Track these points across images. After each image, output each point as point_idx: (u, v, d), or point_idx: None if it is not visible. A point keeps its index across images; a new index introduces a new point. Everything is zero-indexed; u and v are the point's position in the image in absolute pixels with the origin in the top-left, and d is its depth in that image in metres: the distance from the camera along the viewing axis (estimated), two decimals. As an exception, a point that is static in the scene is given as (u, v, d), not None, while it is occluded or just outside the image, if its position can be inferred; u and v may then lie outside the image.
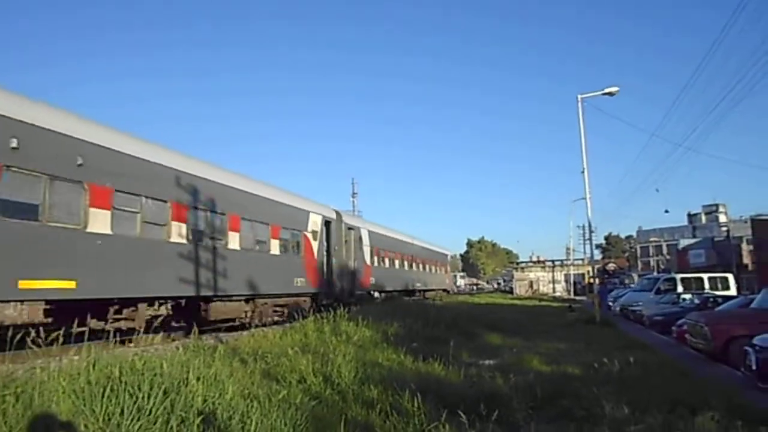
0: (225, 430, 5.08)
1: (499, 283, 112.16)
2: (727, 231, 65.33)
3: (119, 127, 14.94)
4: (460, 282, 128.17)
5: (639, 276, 62.26)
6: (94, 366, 5.79)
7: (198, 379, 5.84)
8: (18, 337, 6.35)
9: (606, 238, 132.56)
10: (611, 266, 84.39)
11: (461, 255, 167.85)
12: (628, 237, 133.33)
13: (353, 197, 61.56)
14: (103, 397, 5.10)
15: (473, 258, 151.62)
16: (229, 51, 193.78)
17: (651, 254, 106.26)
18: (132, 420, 4.85)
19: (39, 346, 6.51)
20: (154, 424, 4.95)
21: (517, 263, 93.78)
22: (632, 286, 45.71)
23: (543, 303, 44.95)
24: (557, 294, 69.24)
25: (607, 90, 24.09)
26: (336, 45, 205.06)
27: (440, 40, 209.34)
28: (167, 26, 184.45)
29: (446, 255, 51.00)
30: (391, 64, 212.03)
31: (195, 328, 10.10)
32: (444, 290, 47.48)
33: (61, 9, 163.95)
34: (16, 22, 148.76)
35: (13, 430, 4.67)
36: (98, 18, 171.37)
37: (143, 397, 5.13)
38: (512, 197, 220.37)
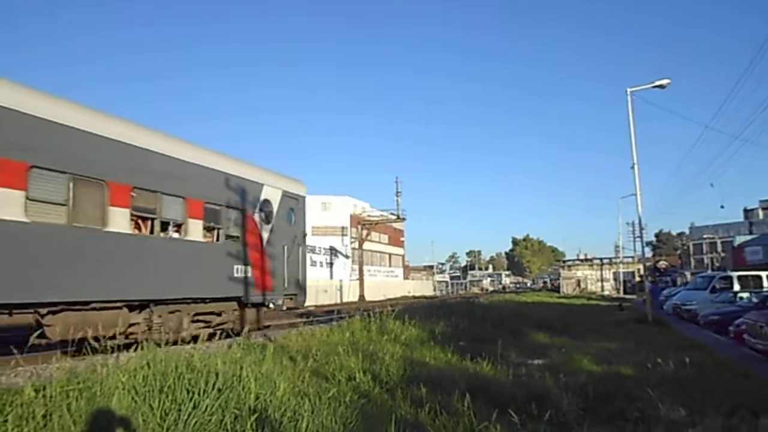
0: (277, 427, 5.16)
1: (545, 282, 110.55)
2: (787, 226, 62.64)
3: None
4: (506, 280, 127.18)
5: (692, 274, 60.31)
6: (149, 364, 5.98)
7: (251, 376, 5.96)
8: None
9: (657, 236, 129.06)
10: (662, 264, 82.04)
11: (506, 253, 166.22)
12: (680, 234, 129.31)
13: (397, 196, 61.68)
14: (160, 393, 5.26)
15: (519, 256, 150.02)
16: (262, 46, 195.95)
17: (705, 251, 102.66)
18: (189, 416, 4.99)
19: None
20: (210, 420, 5.08)
21: (564, 261, 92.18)
22: (686, 284, 44.32)
23: (591, 302, 44.09)
24: (606, 293, 67.80)
25: (657, 82, 23.44)
26: (384, 42, 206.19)
27: (484, 39, 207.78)
28: (203, 19, 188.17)
29: (277, 193, 16.53)
30: (436, 64, 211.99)
31: (247, 328, 10.29)
32: (249, 305, 14.84)
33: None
34: (28, 21, 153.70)
35: (77, 423, 4.86)
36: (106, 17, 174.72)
37: (199, 394, 5.28)
38: (559, 195, 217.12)
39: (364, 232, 60.26)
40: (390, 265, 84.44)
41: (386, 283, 72.16)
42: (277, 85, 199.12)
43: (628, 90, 23.85)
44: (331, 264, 67.60)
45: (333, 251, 68.20)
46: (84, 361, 6.76)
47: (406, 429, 5.49)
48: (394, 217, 64.57)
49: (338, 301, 50.57)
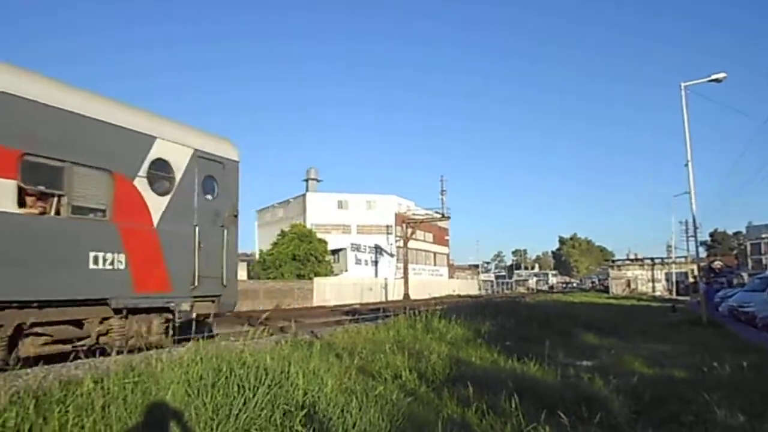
0: (326, 423, 5.23)
1: (593, 282, 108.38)
2: None
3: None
4: (552, 280, 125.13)
5: (750, 275, 58.05)
6: (202, 359, 6.15)
7: (299, 372, 6.05)
8: None
9: (711, 235, 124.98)
10: (717, 264, 79.10)
11: (553, 252, 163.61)
12: (737, 233, 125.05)
13: (442, 194, 61.49)
14: (212, 388, 5.40)
15: (566, 255, 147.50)
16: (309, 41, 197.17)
17: (763, 251, 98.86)
18: (240, 411, 5.10)
19: None
20: (260, 415, 5.18)
21: (613, 261, 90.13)
22: (742, 285, 42.69)
23: (642, 303, 42.94)
24: (657, 294, 65.99)
25: (713, 76, 22.60)
26: (432, 42, 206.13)
27: (530, 43, 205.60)
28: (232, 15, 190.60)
29: (184, 153, 11.37)
30: (487, 66, 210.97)
31: (293, 322, 10.35)
32: (125, 311, 10.06)
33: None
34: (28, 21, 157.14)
35: (132, 415, 5.03)
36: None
37: (249, 389, 5.39)
38: (608, 192, 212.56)
39: (409, 230, 60.30)
40: (435, 264, 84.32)
41: (431, 282, 72.06)
42: (281, 82, 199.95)
43: (682, 84, 23.06)
44: (376, 262, 67.99)
45: (378, 249, 68.56)
46: (140, 355, 7.00)
47: (453, 428, 5.47)
48: (438, 216, 64.41)
49: (383, 300, 50.77)
